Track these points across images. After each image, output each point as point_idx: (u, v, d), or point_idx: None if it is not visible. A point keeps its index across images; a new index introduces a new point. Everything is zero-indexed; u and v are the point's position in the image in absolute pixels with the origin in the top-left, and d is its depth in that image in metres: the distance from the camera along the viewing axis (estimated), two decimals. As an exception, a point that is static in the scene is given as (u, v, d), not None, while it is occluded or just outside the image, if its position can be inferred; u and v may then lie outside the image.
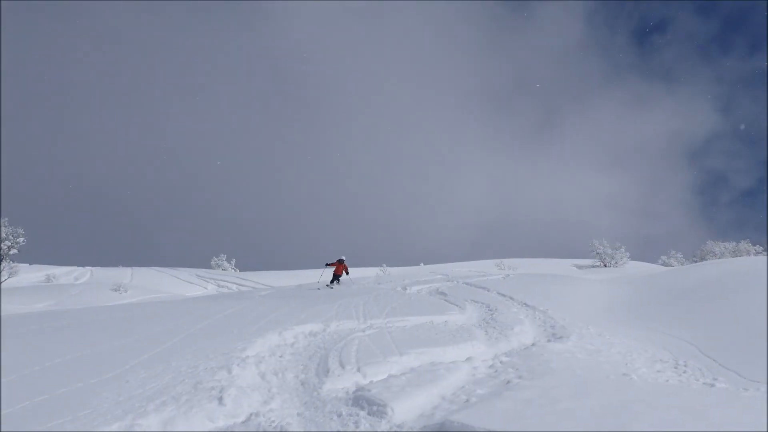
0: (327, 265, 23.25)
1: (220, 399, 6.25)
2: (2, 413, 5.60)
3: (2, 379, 6.93)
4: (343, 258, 22.98)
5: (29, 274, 50.35)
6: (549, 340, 10.65)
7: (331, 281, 22.85)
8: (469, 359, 8.57)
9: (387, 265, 51.06)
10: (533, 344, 10.25)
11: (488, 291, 18.69)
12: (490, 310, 14.07)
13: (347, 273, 23.37)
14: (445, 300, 16.44)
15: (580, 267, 50.89)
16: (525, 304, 15.61)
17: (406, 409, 6.15)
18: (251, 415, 6.09)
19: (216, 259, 63.54)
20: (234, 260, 63.74)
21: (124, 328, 10.97)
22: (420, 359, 8.48)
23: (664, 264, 51.88)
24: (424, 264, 55.63)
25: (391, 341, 9.52)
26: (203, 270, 58.90)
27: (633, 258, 53.65)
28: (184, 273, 54.65)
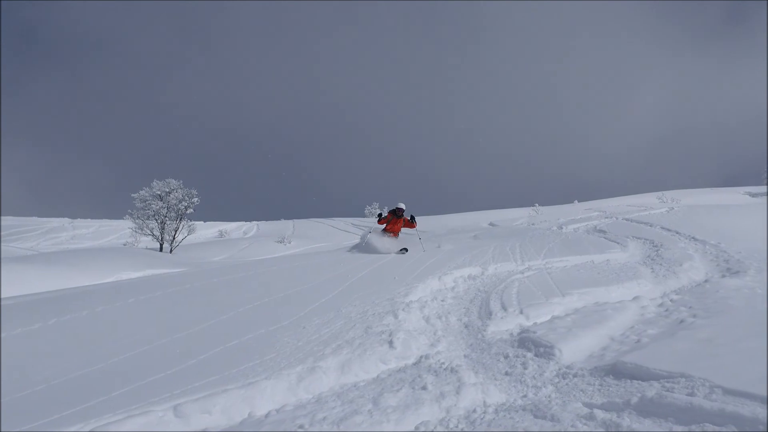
0: (379, 219, 16.72)
1: (390, 342, 6.59)
2: (208, 354, 6.29)
3: (200, 327, 7.76)
4: (402, 206, 16.18)
5: (204, 231, 55.16)
6: (723, 276, 9.94)
7: (400, 250, 15.14)
8: (636, 298, 8.26)
9: (539, 205, 49.88)
10: (706, 281, 9.64)
11: (651, 226, 17.72)
12: (655, 247, 13.36)
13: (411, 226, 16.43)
14: (604, 238, 15.85)
15: (754, 195, 46.52)
16: (693, 238, 14.63)
17: (573, 350, 6.11)
18: (421, 357, 6.36)
19: (369, 207, 65.57)
20: (386, 207, 65.44)
21: (293, 278, 11.78)
22: (583, 300, 8.32)
23: None
24: (579, 201, 53.70)
25: (552, 282, 9.40)
26: (358, 219, 61.19)
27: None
28: (341, 223, 57.13)
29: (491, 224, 35.17)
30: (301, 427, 4.47)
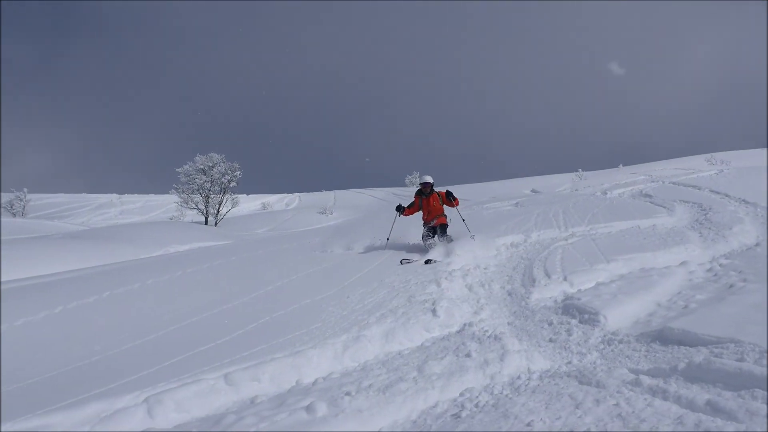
0: (401, 212, 11.51)
1: (434, 311, 6.63)
2: (255, 324, 6.45)
3: (246, 299, 7.95)
4: (428, 179, 11.26)
5: (248, 204, 55.97)
6: (776, 239, 9.65)
7: (428, 243, 10.95)
8: (683, 263, 8.09)
9: (583, 170, 49.00)
10: (756, 244, 9.36)
11: (699, 189, 17.25)
12: (703, 210, 13.02)
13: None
14: (650, 202, 15.51)
15: (810, 154, 44.72)
16: (744, 200, 14.19)
17: (619, 316, 6.04)
18: (464, 325, 6.39)
19: (409, 177, 65.48)
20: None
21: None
22: (629, 266, 8.20)
23: None
24: (624, 166, 52.56)
25: (597, 248, 9.28)
26: (398, 188, 61.20)
27: None
28: (381, 192, 57.21)
29: (533, 191, 34.80)
30: (348, 393, 4.56)
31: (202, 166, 38.47)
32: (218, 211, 38.72)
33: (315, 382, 5.06)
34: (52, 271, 13.52)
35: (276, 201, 63.26)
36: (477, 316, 6.68)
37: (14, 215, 41.84)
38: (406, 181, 65.44)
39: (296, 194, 67.73)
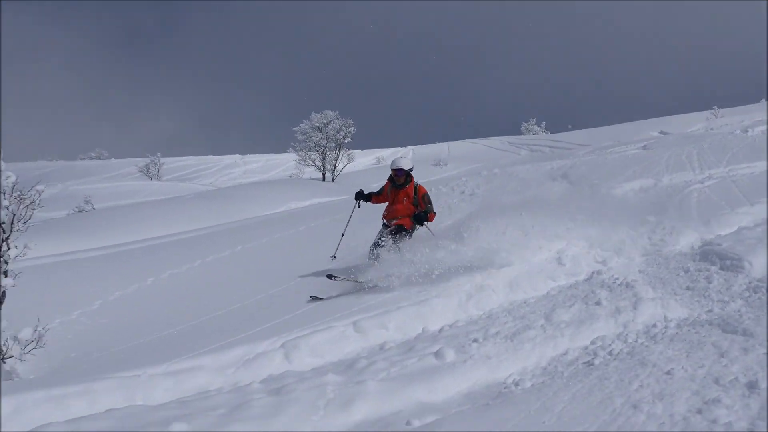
0: (366, 200, 7.93)
1: (559, 259, 6.46)
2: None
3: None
4: (401, 165, 7.49)
5: (362, 159, 56.79)
6: None
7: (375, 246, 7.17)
8: (840, 204, 7.35)
9: (718, 107, 45.26)
10: None
11: None
12: None
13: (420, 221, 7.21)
14: (798, 139, 14.11)
15: None
16: None
17: (765, 263, 5.59)
18: (592, 273, 6.17)
19: (525, 124, 63.48)
20: (544, 123, 62.88)
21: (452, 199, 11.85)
22: (776, 208, 7.54)
23: None
24: None
25: (738, 191, 8.61)
26: (514, 137, 59.60)
27: None
28: (496, 141, 56.08)
29: (662, 132, 32.71)
30: (475, 340, 4.56)
31: (317, 124, 39.26)
32: (335, 167, 39.54)
33: (441, 330, 5.11)
34: (188, 229, 14.47)
35: (390, 155, 63.62)
36: (606, 265, 6.42)
37: (150, 178, 44.92)
38: (522, 128, 63.54)
39: (409, 147, 67.75)
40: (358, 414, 3.57)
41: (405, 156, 7.10)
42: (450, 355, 4.28)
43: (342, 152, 40.39)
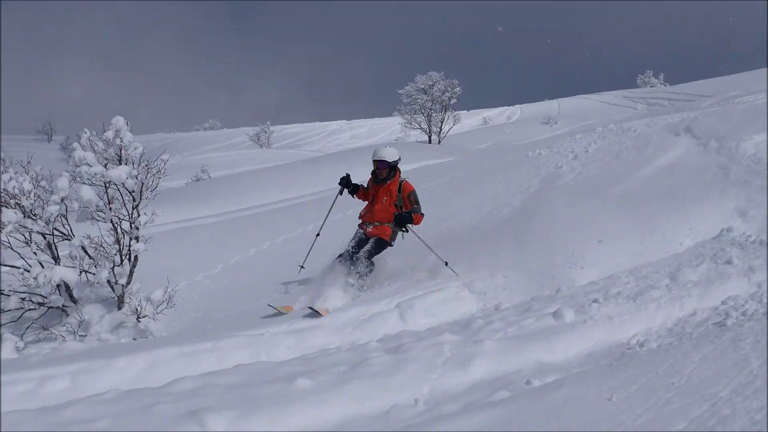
0: (352, 192, 6.55)
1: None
2: (497, 238, 6.42)
3: (480, 212, 8.05)
4: (383, 156, 6.14)
5: (469, 120, 56.05)
6: None
7: (352, 250, 5.92)
8: None
9: None
10: None
11: None
12: None
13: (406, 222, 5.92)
14: None
15: None
16: None
17: None
18: (722, 230, 5.79)
19: (642, 76, 60.05)
20: (662, 74, 59.18)
21: (562, 157, 11.46)
22: None
23: None
24: None
25: None
26: (629, 90, 56.62)
27: None
28: (610, 96, 53.56)
29: (796, 78, 29.82)
30: (595, 301, 4.43)
31: (422, 86, 39.04)
32: (441, 129, 39.30)
33: (558, 290, 5.00)
34: (298, 194, 14.95)
35: (497, 115, 62.47)
36: (737, 221, 6.00)
37: (261, 146, 46.67)
38: (638, 81, 60.18)
39: (517, 106, 66.09)
40: (476, 372, 3.58)
41: (391, 145, 5.95)
42: (569, 315, 4.19)
43: (448, 114, 40.03)
